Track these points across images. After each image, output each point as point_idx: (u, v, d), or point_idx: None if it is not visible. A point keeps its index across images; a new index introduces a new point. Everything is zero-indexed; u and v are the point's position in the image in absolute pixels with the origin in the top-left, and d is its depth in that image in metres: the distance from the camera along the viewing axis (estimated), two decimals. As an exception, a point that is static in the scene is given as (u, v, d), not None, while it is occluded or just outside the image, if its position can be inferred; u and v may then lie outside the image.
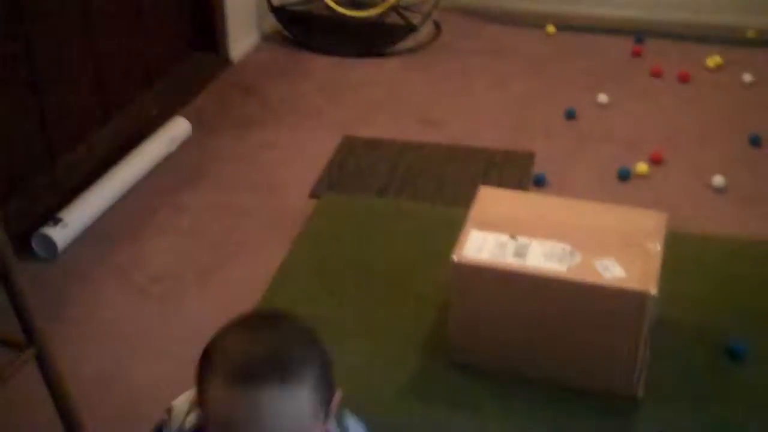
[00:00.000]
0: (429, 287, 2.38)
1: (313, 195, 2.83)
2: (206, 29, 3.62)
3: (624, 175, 2.93)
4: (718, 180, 2.89)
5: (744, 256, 2.53)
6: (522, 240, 2.06)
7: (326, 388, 1.15)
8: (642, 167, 2.95)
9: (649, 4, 4.06)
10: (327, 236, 2.64)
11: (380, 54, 3.82)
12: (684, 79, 3.57)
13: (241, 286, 2.43)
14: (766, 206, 2.79)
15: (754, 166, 3.01)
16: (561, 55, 3.83)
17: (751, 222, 2.72)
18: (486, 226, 2.11)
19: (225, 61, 3.69)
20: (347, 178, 2.93)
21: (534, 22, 4.09)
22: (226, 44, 3.69)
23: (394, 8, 3.94)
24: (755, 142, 3.12)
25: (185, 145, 3.13)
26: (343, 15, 3.94)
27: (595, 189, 2.89)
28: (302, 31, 3.94)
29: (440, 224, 2.65)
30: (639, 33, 3.91)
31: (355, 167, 2.99)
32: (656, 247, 2.04)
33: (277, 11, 3.96)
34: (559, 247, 2.03)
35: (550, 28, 4.02)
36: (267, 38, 3.99)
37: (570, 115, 3.31)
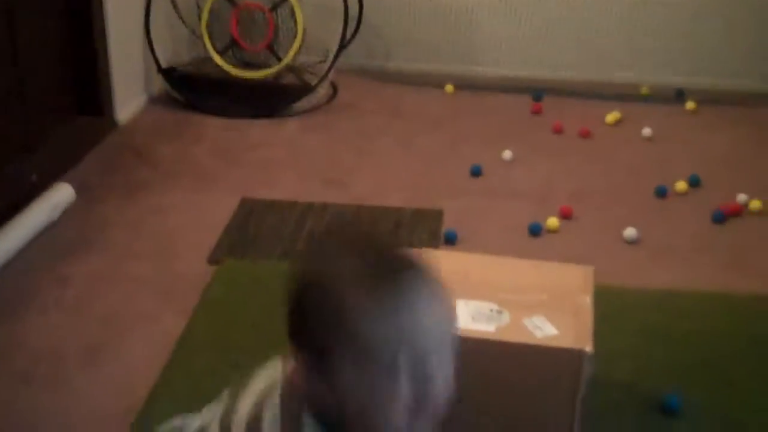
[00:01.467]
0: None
1: (212, 261, 2.63)
2: (91, 91, 3.39)
3: (535, 231, 2.85)
4: (629, 232, 2.83)
5: (665, 308, 2.47)
6: (446, 300, 1.91)
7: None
8: (553, 222, 2.88)
9: (545, 64, 4.07)
10: (229, 304, 2.44)
11: (276, 115, 3.68)
12: (585, 134, 3.56)
13: (135, 364, 2.20)
14: (678, 256, 2.75)
15: (662, 217, 2.98)
16: (462, 113, 3.77)
17: (666, 273, 2.67)
18: (406, 286, 1.96)
19: (111, 123, 3.47)
20: (248, 242, 2.75)
21: (432, 82, 4.03)
22: (112, 106, 3.48)
23: (290, 68, 3.82)
24: (661, 193, 3.10)
25: (69, 213, 2.88)
26: (237, 76, 3.79)
27: (508, 245, 2.79)
28: (193, 93, 3.77)
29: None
30: (537, 91, 3.90)
31: (256, 230, 2.80)
32: (586, 302, 1.93)
33: (166, 72, 3.78)
34: (485, 306, 1.90)
35: (449, 88, 3.97)
36: (155, 100, 3.79)
37: (476, 173, 3.22)
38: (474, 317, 1.87)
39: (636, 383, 2.16)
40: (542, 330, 1.84)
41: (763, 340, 2.35)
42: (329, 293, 0.99)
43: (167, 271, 2.59)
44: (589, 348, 1.79)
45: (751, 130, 3.66)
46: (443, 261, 2.10)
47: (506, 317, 1.87)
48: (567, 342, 1.81)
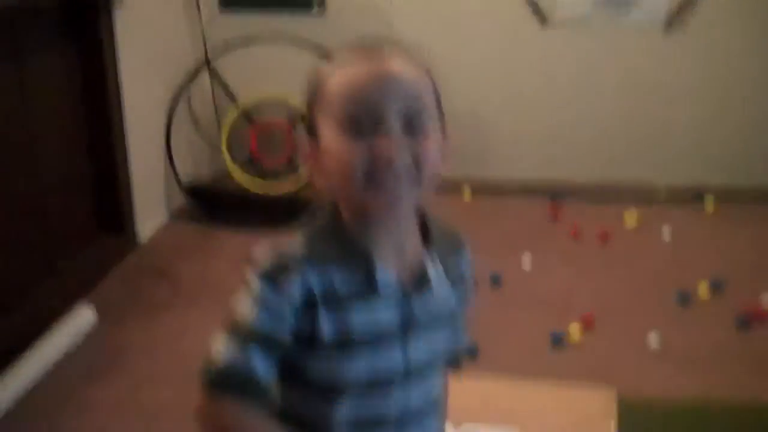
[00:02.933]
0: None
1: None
2: (112, 209, 3.45)
3: (557, 342, 2.83)
4: (653, 341, 2.80)
5: (692, 422, 2.42)
6: (467, 428, 1.89)
7: (440, 108, 1.20)
8: (575, 332, 2.86)
9: (561, 166, 4.10)
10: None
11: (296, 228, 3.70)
12: (604, 238, 3.55)
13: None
14: (703, 365, 2.71)
15: (685, 323, 2.95)
16: (479, 220, 3.78)
17: (691, 383, 2.62)
18: (426, 414, 1.94)
19: (132, 242, 3.52)
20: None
21: (449, 187, 4.06)
22: (133, 224, 3.53)
23: (310, 183, 3.86)
24: (683, 299, 3.07)
25: (90, 336, 2.90)
26: (257, 192, 3.85)
27: (529, 358, 2.77)
28: (214, 208, 3.82)
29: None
30: (554, 194, 3.92)
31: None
32: (610, 429, 1.90)
33: (188, 189, 3.84)
34: (507, 434, 1.88)
35: (467, 194, 3.99)
36: (176, 216, 3.84)
37: (494, 281, 3.22)
38: (496, 447, 1.85)
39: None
40: (566, 458, 1.81)
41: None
42: (320, 71, 1.18)
43: (190, 397, 2.58)
44: (614, 478, 1.76)
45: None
46: (463, 387, 2.10)
47: (529, 446, 1.85)
48: (591, 471, 1.78)
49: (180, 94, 3.83)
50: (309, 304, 1.13)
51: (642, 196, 3.93)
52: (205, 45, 3.92)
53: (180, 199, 3.87)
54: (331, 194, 1.18)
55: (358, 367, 1.16)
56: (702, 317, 2.99)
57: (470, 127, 4.14)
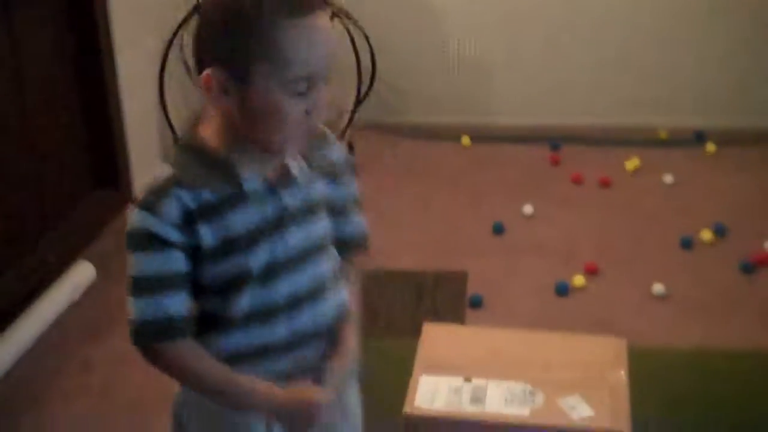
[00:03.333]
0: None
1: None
2: (107, 164, 3.39)
3: (562, 290, 2.81)
4: (657, 288, 2.79)
5: (697, 370, 2.43)
6: (477, 382, 1.88)
7: None
8: (579, 280, 2.84)
9: (562, 111, 4.05)
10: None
11: (293, 177, 3.66)
12: (605, 184, 3.52)
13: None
14: (708, 312, 2.71)
15: (689, 269, 2.94)
16: (479, 167, 3.74)
17: (696, 330, 2.62)
18: (436, 369, 1.92)
19: (129, 196, 3.45)
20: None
21: (449, 135, 4.01)
22: (129, 178, 3.47)
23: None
24: (687, 245, 3.05)
25: (90, 292, 2.87)
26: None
27: (535, 307, 2.76)
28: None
29: (378, 362, 2.45)
30: (555, 140, 3.87)
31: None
32: (621, 378, 1.89)
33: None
34: (518, 387, 1.86)
35: (466, 141, 3.94)
36: (172, 168, 3.78)
37: (498, 230, 3.19)
38: (507, 400, 1.83)
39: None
40: (577, 411, 1.80)
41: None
42: (255, 15, 1.17)
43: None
44: (627, 430, 1.75)
45: None
46: (471, 338, 2.08)
47: (540, 398, 1.83)
48: (604, 423, 1.77)
49: (172, 42, 3.74)
50: (188, 221, 1.23)
51: (643, 139, 3.88)
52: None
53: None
54: (226, 126, 1.26)
55: (244, 264, 1.26)
56: (706, 263, 2.97)
57: (470, 74, 4.07)
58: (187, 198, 1.22)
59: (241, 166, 1.25)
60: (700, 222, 3.16)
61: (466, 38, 4.05)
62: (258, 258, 1.27)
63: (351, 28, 3.76)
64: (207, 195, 1.23)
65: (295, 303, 1.32)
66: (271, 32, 1.17)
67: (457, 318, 2.68)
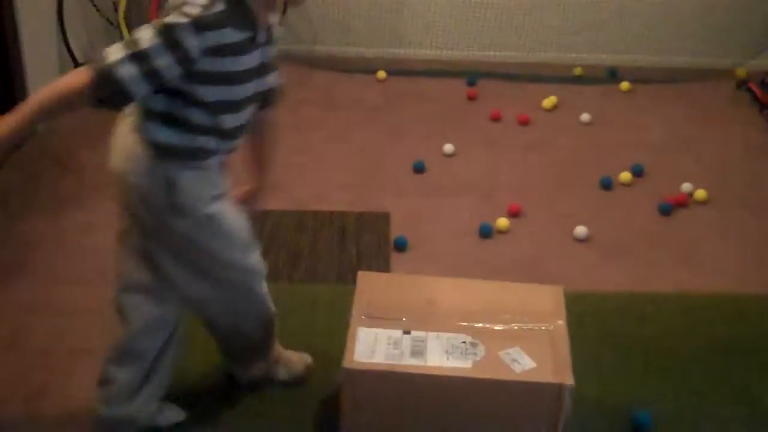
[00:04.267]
0: (317, 393, 2.10)
1: (154, 284, 2.48)
2: (4, 93, 3.15)
3: (486, 233, 2.78)
4: (580, 231, 2.79)
5: (623, 313, 2.44)
6: (417, 334, 1.83)
7: None
8: (502, 222, 2.81)
9: (477, 45, 3.99)
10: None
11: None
12: (524, 121, 3.49)
13: (80, 406, 2.05)
14: (629, 253, 2.73)
15: (610, 210, 2.95)
16: (396, 101, 3.66)
17: (619, 272, 2.64)
18: (373, 321, 1.86)
19: (27, 127, 3.24)
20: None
21: (364, 67, 3.90)
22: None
23: None
24: (606, 185, 3.06)
25: (-11, 232, 2.69)
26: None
27: (459, 249, 2.72)
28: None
29: (305, 307, 2.38)
30: (471, 75, 3.81)
31: (197, 245, 2.66)
32: (561, 328, 1.87)
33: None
34: (459, 339, 1.82)
35: (381, 74, 3.84)
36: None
37: (418, 168, 3.13)
38: (448, 352, 1.79)
39: (603, 399, 2.13)
40: (519, 363, 1.78)
41: (720, 343, 2.34)
42: None
43: (98, 296, 2.41)
44: (570, 381, 1.74)
45: (686, 110, 3.65)
46: (407, 287, 2.02)
47: (481, 350, 1.80)
48: (547, 376, 1.75)
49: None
50: (211, 52, 1.60)
51: (559, 76, 3.87)
52: None
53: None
54: None
55: (233, 93, 1.70)
56: (625, 204, 2.99)
57: (385, 3, 3.95)
58: (214, 36, 1.59)
59: (258, 22, 1.67)
60: (619, 162, 3.18)
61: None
62: (242, 91, 1.70)
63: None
64: (229, 36, 1.61)
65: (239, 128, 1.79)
66: None
67: (383, 261, 2.62)
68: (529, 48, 3.99)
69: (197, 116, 1.69)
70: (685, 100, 3.74)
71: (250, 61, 1.67)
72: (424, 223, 2.84)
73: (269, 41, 1.74)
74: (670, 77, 3.92)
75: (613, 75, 3.89)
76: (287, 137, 3.34)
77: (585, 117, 3.52)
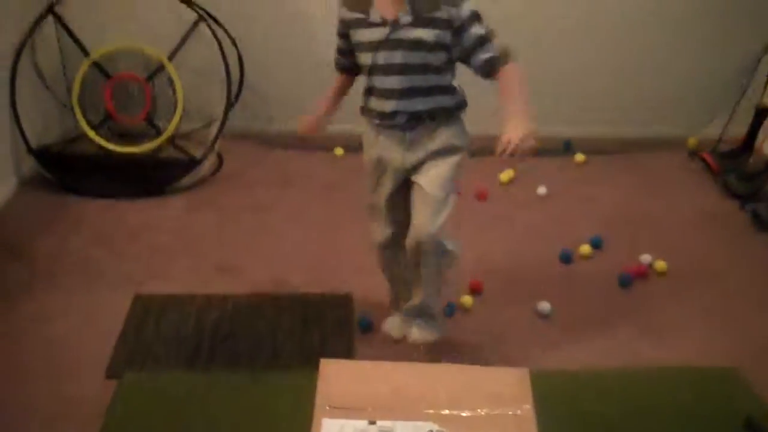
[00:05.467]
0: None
1: (111, 375, 2.41)
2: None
3: (450, 311, 2.75)
4: (543, 306, 2.78)
5: (588, 390, 2.41)
6: (383, 424, 1.78)
7: None
8: (466, 300, 2.79)
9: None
10: (134, 427, 2.22)
11: (159, 192, 3.46)
12: (482, 197, 3.50)
13: None
14: (591, 328, 2.71)
15: (570, 285, 2.95)
16: (354, 178, 3.63)
17: (582, 348, 2.62)
18: (338, 411, 1.81)
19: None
20: (148, 347, 2.53)
21: (321, 144, 3.90)
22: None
23: (171, 141, 3.61)
24: (566, 259, 3.07)
25: (-62, 325, 2.60)
26: (115, 152, 3.56)
27: (422, 329, 2.68)
28: (68, 173, 3.50)
29: (269, 395, 2.32)
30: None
31: (155, 333, 2.59)
32: (528, 413, 1.84)
33: (38, 153, 3.51)
34: (425, 428, 1.77)
35: (339, 151, 3.84)
36: (26, 183, 3.50)
37: (378, 246, 3.10)
38: (415, 442, 1.75)
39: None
40: (488, 451, 1.74)
41: (686, 416, 2.32)
42: None
43: (57, 392, 2.34)
44: (539, 469, 1.70)
45: (641, 180, 3.70)
46: (371, 375, 1.98)
47: (448, 439, 1.76)
48: (516, 464, 1.71)
49: (24, 45, 3.46)
50: (345, 26, 2.24)
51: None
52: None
53: (30, 164, 3.53)
54: None
55: (364, 59, 2.24)
56: (586, 278, 2.99)
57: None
58: (346, 14, 2.22)
59: (374, 7, 2.16)
60: (577, 235, 3.19)
61: (333, 44, 3.94)
62: (370, 59, 2.21)
63: (219, 33, 3.60)
64: (354, 16, 2.20)
65: (388, 92, 2.24)
66: None
67: (347, 343, 2.58)
68: (484, 122, 4.01)
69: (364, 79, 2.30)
70: (640, 171, 3.78)
71: (369, 34, 2.17)
72: (386, 302, 2.80)
73: (393, 24, 2.13)
74: (624, 148, 3.97)
75: (568, 147, 3.93)
76: (243, 217, 3.33)
77: (542, 190, 3.54)
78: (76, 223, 3.24)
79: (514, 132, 2.20)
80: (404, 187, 2.38)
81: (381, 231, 2.48)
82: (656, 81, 3.98)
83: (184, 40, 3.60)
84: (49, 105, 3.69)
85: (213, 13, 3.64)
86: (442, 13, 2.13)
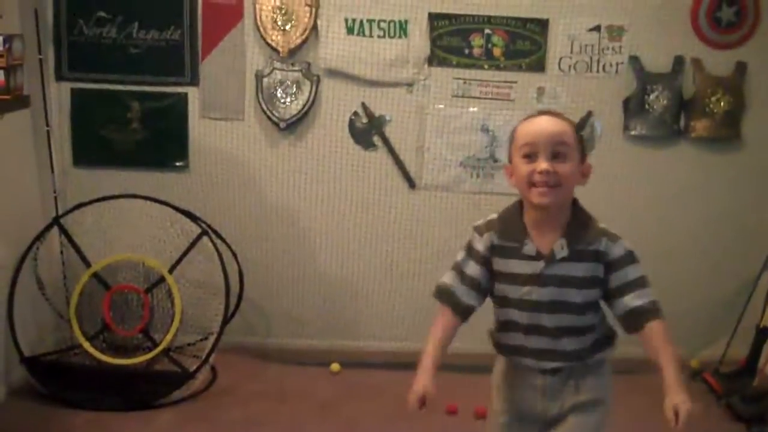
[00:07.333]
0: None
1: None
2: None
3: None
4: None
5: None
6: None
7: (581, 145, 2.06)
8: None
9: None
10: None
11: (151, 406, 3.38)
12: (481, 414, 3.41)
13: None
14: None
15: None
16: (350, 395, 3.58)
17: None
18: None
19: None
20: None
21: (317, 359, 3.86)
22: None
23: (166, 353, 3.57)
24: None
25: None
26: (107, 363, 3.51)
27: None
28: (59, 384, 3.44)
29: None
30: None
31: None
32: None
33: (29, 362, 3.46)
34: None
35: (335, 366, 3.80)
36: (15, 392, 3.43)
37: (372, 467, 2.99)
38: None
39: None
40: None
41: None
42: (518, 124, 2.12)
43: None
44: None
45: (647, 400, 3.55)
46: None
47: None
48: None
49: (26, 255, 3.51)
50: (490, 252, 2.09)
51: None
52: (56, 202, 3.66)
53: (20, 373, 3.47)
54: (519, 192, 2.07)
55: (508, 291, 2.08)
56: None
57: (338, 297, 4.00)
58: (494, 239, 2.08)
59: (529, 236, 2.05)
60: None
61: (333, 259, 4.00)
62: (516, 293, 2.07)
63: (219, 246, 3.66)
64: (503, 242, 2.07)
65: (533, 329, 2.10)
66: (518, 127, 2.08)
67: None
68: (482, 339, 3.99)
69: (496, 312, 2.16)
70: (645, 391, 3.69)
71: (519, 267, 2.04)
72: None
73: (549, 259, 2.02)
74: (629, 368, 3.90)
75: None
76: (236, 434, 3.24)
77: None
78: (61, 436, 3.14)
79: (683, 406, 1.96)
80: None
81: None
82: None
83: (185, 253, 3.65)
84: (45, 314, 3.68)
85: (215, 227, 3.71)
86: (598, 246, 2.02)
